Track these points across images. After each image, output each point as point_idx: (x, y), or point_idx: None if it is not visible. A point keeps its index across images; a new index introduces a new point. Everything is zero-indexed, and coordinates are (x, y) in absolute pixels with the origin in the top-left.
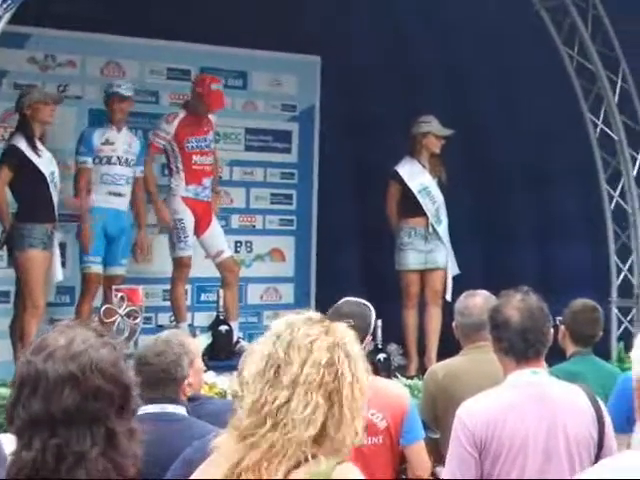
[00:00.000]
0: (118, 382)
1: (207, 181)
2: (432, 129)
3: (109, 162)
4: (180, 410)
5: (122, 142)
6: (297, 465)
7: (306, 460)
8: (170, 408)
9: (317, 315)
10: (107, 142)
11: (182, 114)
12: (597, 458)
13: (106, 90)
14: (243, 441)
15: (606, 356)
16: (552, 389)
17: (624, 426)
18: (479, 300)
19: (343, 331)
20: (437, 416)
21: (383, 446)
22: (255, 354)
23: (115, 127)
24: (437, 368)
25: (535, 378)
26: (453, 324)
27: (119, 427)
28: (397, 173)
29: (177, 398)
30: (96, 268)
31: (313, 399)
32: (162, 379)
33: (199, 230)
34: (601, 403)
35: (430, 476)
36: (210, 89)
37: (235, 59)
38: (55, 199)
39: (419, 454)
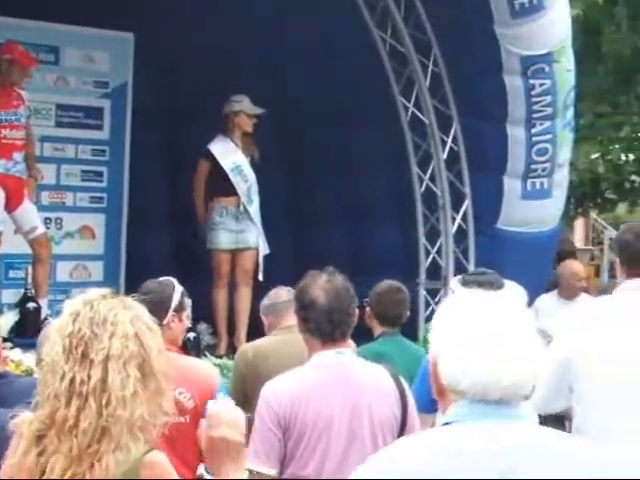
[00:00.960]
0: None
1: (18, 156)
2: (243, 108)
3: None
4: None
5: None
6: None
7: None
8: None
9: (108, 291)
10: None
11: None
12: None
13: None
14: (56, 426)
15: (414, 337)
16: (357, 370)
17: (429, 406)
18: (285, 290)
19: (137, 305)
20: (247, 396)
21: (191, 426)
22: (54, 335)
23: None
24: (247, 348)
25: (340, 358)
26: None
27: None
28: (209, 151)
29: None
30: None
31: (131, 373)
32: None
33: (11, 206)
34: (405, 383)
35: None
36: (19, 50)
37: (47, 34)
38: None
39: None
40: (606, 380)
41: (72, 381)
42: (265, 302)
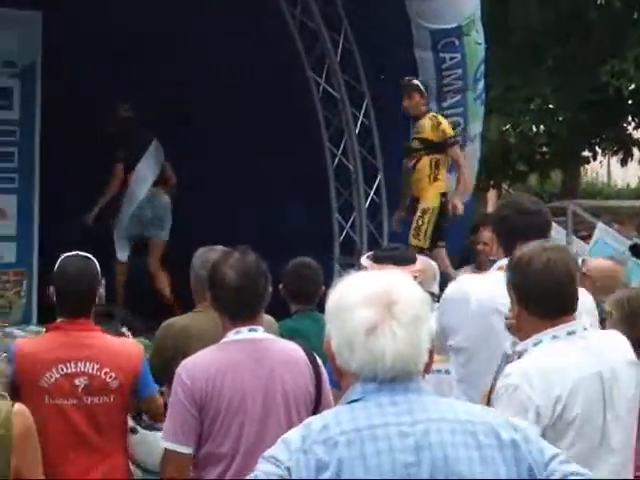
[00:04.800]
0: None
1: None
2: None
3: None
4: None
5: None
6: None
7: None
8: None
9: None
10: None
11: None
12: (315, 414)
13: None
14: None
15: None
16: (270, 346)
17: None
18: (216, 255)
19: None
20: (167, 372)
21: (116, 405)
22: None
23: None
24: (170, 323)
25: (253, 335)
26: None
27: None
28: None
29: None
30: None
31: None
32: None
33: None
34: (319, 359)
35: None
36: None
37: None
38: None
39: (154, 403)
40: None
41: None
42: (195, 274)
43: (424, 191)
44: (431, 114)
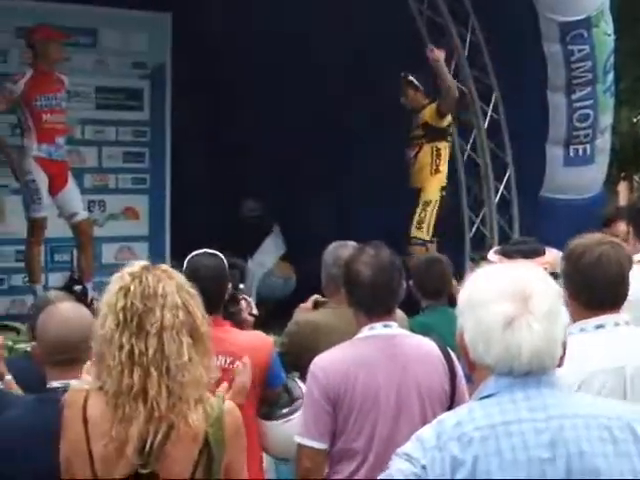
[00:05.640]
0: None
1: (61, 140)
2: None
3: None
4: None
5: None
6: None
7: (199, 400)
8: None
9: (147, 263)
10: None
11: (29, 73)
12: (450, 410)
13: None
14: (123, 395)
15: None
16: (404, 342)
17: None
18: (347, 252)
19: (177, 274)
20: (298, 366)
21: (247, 397)
22: (104, 309)
23: None
24: (302, 320)
25: (387, 331)
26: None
27: None
28: None
29: None
30: None
31: (184, 341)
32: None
33: (53, 190)
34: (453, 355)
35: None
36: (49, 29)
37: (85, 16)
38: None
39: (280, 394)
40: None
41: (131, 352)
42: (329, 271)
43: (426, 182)
44: (434, 104)
